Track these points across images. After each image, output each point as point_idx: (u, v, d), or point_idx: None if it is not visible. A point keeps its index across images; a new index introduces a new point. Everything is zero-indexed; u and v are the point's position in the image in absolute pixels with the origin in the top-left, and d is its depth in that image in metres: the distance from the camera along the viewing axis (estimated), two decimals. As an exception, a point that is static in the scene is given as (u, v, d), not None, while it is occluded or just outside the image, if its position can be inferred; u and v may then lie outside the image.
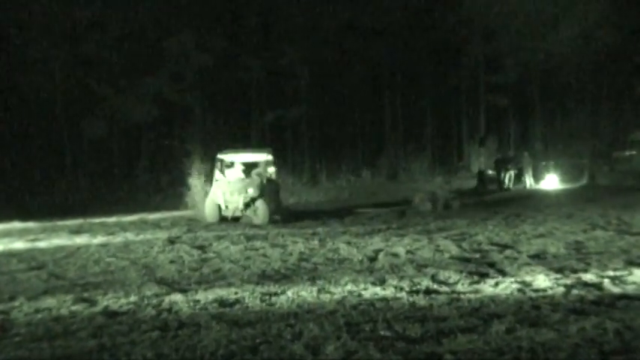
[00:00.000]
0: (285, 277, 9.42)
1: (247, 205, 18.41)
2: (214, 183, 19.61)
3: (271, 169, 20.28)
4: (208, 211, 18.83)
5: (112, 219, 20.77)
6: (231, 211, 18.57)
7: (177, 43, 37.02)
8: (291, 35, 41.24)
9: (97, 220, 20.39)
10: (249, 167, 20.63)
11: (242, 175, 20.19)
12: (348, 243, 12.76)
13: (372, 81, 47.59)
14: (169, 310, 7.50)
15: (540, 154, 36.54)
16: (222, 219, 18.71)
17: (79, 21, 35.01)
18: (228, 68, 39.85)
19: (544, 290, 7.91)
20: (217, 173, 19.91)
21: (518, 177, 30.57)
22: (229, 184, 19.01)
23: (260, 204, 18.29)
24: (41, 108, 36.61)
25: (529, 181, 30.52)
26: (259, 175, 19.28)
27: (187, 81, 38.24)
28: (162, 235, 15.60)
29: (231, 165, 20.59)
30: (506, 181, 29.96)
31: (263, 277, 9.41)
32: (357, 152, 46.21)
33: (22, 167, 34.75)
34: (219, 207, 18.72)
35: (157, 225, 18.27)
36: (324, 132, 45.30)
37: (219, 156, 20.25)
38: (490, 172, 30.89)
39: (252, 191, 18.41)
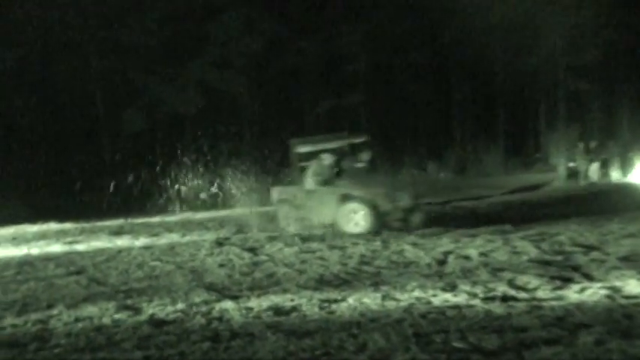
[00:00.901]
0: (345, 282, 9.42)
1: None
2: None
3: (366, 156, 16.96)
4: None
5: (155, 219, 21.07)
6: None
7: (222, 25, 37.21)
8: (348, 14, 41.13)
9: (138, 221, 20.69)
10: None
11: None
12: (414, 244, 12.71)
13: (438, 65, 47.25)
14: (220, 319, 7.57)
15: (628, 143, 35.92)
16: None
17: (116, 3, 35.43)
18: (279, 52, 39.92)
19: (636, 297, 7.77)
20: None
21: (604, 169, 30.09)
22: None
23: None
24: (77, 100, 37.18)
25: (616, 173, 30.02)
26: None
27: (234, 67, 38.40)
28: (210, 236, 15.76)
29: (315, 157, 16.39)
30: (590, 174, 29.53)
31: (321, 283, 9.43)
32: (421, 144, 45.96)
33: (57, 164, 35.34)
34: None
35: (203, 225, 18.45)
36: (384, 121, 45.10)
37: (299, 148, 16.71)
38: (572, 164, 30.48)
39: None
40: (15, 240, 17.84)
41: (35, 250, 15.41)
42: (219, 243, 14.30)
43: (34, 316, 8.28)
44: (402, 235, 14.11)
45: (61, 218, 21.74)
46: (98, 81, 36.18)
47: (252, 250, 13.04)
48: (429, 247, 12.24)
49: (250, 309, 7.96)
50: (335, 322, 7.18)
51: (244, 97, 39.36)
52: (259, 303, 8.25)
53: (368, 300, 8.12)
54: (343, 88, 42.72)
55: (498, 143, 44.01)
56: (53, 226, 20.50)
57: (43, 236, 18.06)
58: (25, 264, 13.03)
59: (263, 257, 12.07)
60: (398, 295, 8.33)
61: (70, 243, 16.07)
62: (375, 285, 9.00)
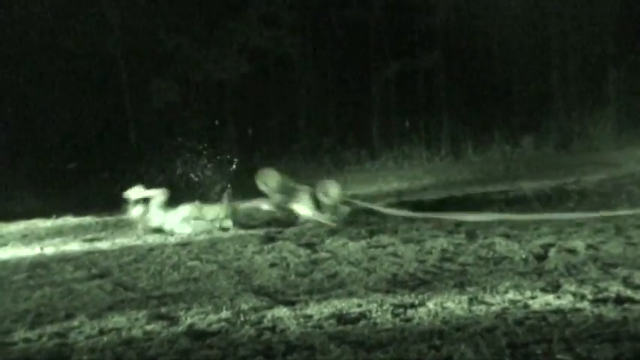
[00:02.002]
0: (423, 283, 9.43)
1: None
2: None
3: None
4: None
5: (191, 210, 21.19)
6: None
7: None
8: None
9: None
10: None
11: None
12: (507, 236, 12.65)
13: (532, 14, 46.62)
14: (273, 329, 7.62)
15: None
16: None
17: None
18: (337, 5, 39.84)
19: None
20: None
21: None
22: None
23: None
24: (95, 68, 37.52)
25: None
26: None
27: (284, 24, 38.42)
28: (258, 230, 15.85)
29: None
30: None
31: (394, 284, 9.45)
32: (514, 113, 45.51)
33: (74, 144, 35.78)
34: None
35: (250, 216, 18.52)
36: (468, 86, 44.71)
37: None
38: None
39: None
40: (26, 237, 18.14)
41: (50, 249, 15.63)
42: (270, 237, 14.39)
43: (50, 329, 8.40)
44: (492, 225, 14.05)
45: (80, 211, 22.01)
46: (121, 45, 36.48)
47: (310, 245, 13.10)
48: (525, 239, 12.17)
49: (309, 317, 8.00)
50: (412, 332, 7.19)
51: (297, 59, 39.39)
52: (320, 309, 8.29)
53: (451, 304, 8.12)
54: (417, 45, 42.48)
55: (610, 111, 43.38)
56: (70, 220, 20.79)
57: (58, 232, 18.34)
58: (38, 266, 13.24)
59: (323, 254, 12.13)
60: (488, 297, 8.32)
61: (91, 240, 16.29)
62: (460, 286, 9.00)
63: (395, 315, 7.84)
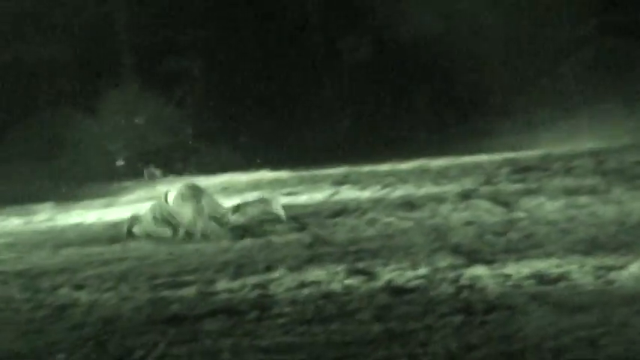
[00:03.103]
0: (624, 245, 9.13)
1: None
2: None
3: None
4: None
5: (385, 166, 21.20)
6: None
7: None
8: None
9: (365, 169, 20.91)
10: None
11: None
12: None
13: None
14: (471, 288, 7.57)
15: None
16: None
17: None
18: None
19: None
20: None
21: None
22: None
23: None
24: (290, 26, 37.92)
25: None
26: None
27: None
28: (453, 187, 15.72)
29: None
30: None
31: (594, 246, 9.21)
32: None
33: (269, 102, 36.38)
34: None
35: (443, 174, 18.42)
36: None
37: None
38: None
39: None
40: (225, 190, 18.53)
41: (248, 202, 15.98)
42: (465, 196, 14.23)
43: (251, 280, 8.59)
44: None
45: (276, 165, 22.31)
46: (315, 2, 36.66)
47: (506, 204, 12.89)
48: None
49: (507, 276, 7.90)
50: (614, 295, 7.00)
51: (489, 23, 38.71)
52: (518, 269, 8.17)
53: (657, 268, 7.86)
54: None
55: None
56: (267, 174, 21.10)
57: (256, 186, 18.66)
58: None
59: (519, 214, 11.93)
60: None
61: (288, 194, 16.50)
62: (665, 249, 8.71)
63: (597, 277, 7.64)
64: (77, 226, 14.62)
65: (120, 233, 12.30)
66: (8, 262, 10.94)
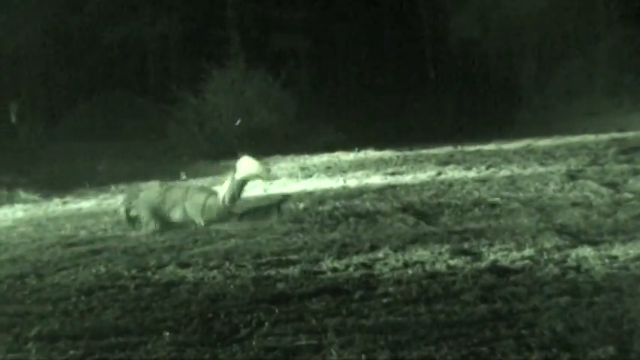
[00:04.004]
0: None
1: None
2: None
3: None
4: None
5: (489, 146, 21.12)
6: None
7: None
8: None
9: (470, 148, 20.84)
10: None
11: None
12: None
13: None
14: (577, 269, 7.47)
15: None
16: None
17: None
18: None
19: None
20: None
21: None
22: None
23: None
24: (395, 6, 37.83)
25: None
26: None
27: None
28: (559, 167, 15.56)
29: None
30: None
31: None
32: None
33: (373, 81, 36.37)
34: None
35: (549, 154, 18.24)
36: None
37: None
38: None
39: None
40: (329, 170, 18.65)
41: (352, 181, 16.05)
42: (571, 176, 14.06)
43: (356, 259, 8.61)
44: None
45: (380, 145, 22.32)
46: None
47: (613, 185, 12.69)
48: None
49: (614, 258, 7.78)
50: None
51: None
52: (625, 250, 8.05)
53: None
54: None
55: None
56: (371, 154, 21.14)
57: (360, 166, 18.72)
58: (341, 197, 13.56)
59: (627, 195, 11.72)
60: None
61: (392, 174, 16.54)
62: None
63: None
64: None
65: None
66: (115, 239, 11.16)
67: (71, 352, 5.89)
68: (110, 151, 26.24)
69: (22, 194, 17.65)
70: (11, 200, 17.10)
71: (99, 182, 18.95)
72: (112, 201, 15.97)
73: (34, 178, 20.54)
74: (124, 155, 25.20)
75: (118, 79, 35.57)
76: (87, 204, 16.10)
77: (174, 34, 36.17)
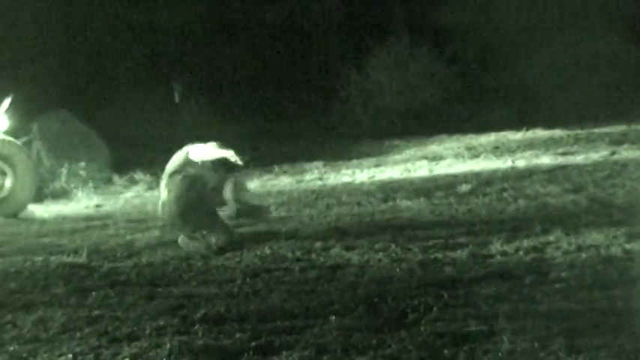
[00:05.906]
0: None
1: None
2: None
3: None
4: None
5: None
6: None
7: None
8: None
9: (645, 127, 20.25)
10: None
11: None
12: None
13: None
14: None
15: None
16: None
17: None
18: None
19: None
20: None
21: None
22: None
23: None
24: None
25: None
26: None
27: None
28: None
29: None
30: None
31: None
32: None
33: (544, 56, 35.67)
34: None
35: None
36: None
37: None
38: None
39: None
40: (497, 150, 18.39)
41: (521, 162, 15.79)
42: None
43: (526, 243, 8.46)
44: None
45: (550, 124, 21.89)
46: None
47: None
48: None
49: None
50: None
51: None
52: None
53: None
54: None
55: None
56: (540, 133, 20.75)
57: (529, 145, 18.39)
58: (510, 178, 13.38)
59: None
60: None
61: (563, 154, 16.21)
62: None
63: None
64: (347, 185, 14.85)
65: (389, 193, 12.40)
66: (280, 221, 11.23)
67: (237, 335, 5.95)
68: (274, 130, 26.47)
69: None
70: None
71: (263, 163, 19.15)
72: (275, 182, 16.15)
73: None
74: (283, 136, 25.37)
75: (280, 57, 35.84)
76: (250, 185, 16.33)
77: (339, 9, 36.24)
